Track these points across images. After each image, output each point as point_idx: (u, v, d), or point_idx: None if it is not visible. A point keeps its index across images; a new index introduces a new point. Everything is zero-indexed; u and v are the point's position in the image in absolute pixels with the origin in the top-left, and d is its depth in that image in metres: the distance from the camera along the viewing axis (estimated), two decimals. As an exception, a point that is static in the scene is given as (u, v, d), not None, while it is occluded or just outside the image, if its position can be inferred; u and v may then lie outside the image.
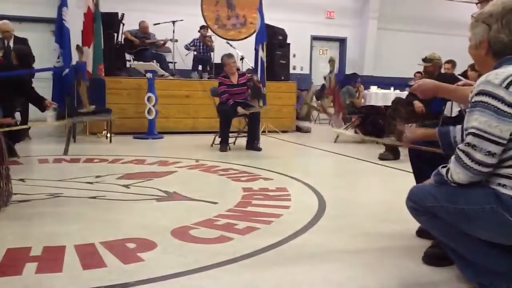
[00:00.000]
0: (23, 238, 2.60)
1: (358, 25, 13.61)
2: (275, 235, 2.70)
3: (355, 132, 7.51)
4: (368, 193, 4.15)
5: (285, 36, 9.73)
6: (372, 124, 7.56)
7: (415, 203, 2.02)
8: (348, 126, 8.02)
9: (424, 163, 2.41)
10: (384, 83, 8.57)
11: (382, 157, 5.78)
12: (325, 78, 9.07)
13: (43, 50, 8.96)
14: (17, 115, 6.34)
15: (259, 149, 6.41)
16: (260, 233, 2.77)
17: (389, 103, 6.85)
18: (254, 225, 2.91)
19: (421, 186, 2.09)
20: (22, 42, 7.22)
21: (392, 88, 8.18)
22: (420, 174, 2.46)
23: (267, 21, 8.48)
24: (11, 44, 7.00)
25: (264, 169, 4.93)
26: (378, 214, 3.35)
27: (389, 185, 4.53)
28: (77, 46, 7.39)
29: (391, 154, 5.77)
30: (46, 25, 10.36)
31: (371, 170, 5.27)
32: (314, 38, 13.40)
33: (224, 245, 2.53)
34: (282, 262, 2.31)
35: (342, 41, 13.77)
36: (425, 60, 5.92)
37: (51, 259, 2.28)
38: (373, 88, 8.06)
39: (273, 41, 9.35)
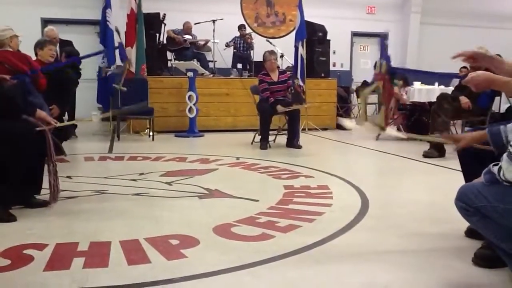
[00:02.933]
0: (70, 234, 2.68)
1: (400, 20, 13.29)
2: (318, 233, 2.67)
3: (398, 130, 7.32)
4: (413, 192, 4.04)
5: (325, 32, 9.61)
6: (416, 121, 7.37)
7: (464, 203, 1.94)
8: (390, 123, 7.83)
9: (474, 160, 2.31)
10: (428, 78, 8.30)
11: (426, 155, 5.62)
12: (375, 64, 8.83)
13: (89, 51, 9.19)
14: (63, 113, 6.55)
15: (300, 147, 6.37)
16: (302, 231, 2.74)
17: (433, 99, 6.65)
18: (296, 223, 2.88)
19: (470, 185, 2.01)
20: (67, 44, 7.46)
21: (436, 84, 7.93)
22: (469, 172, 2.37)
23: (306, 18, 8.40)
24: (57, 48, 7.23)
25: (304, 167, 4.89)
26: (424, 213, 3.25)
27: (434, 183, 4.40)
28: (115, 27, 7.40)
29: (436, 151, 5.61)
30: (92, 27, 10.66)
31: (415, 168, 5.13)
32: (355, 34, 13.17)
33: (266, 242, 2.52)
34: (325, 261, 2.28)
35: (383, 37, 13.49)
36: (472, 54, 5.70)
37: (97, 255, 2.34)
38: (417, 84, 7.84)
39: (313, 38, 9.26)
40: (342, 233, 2.71)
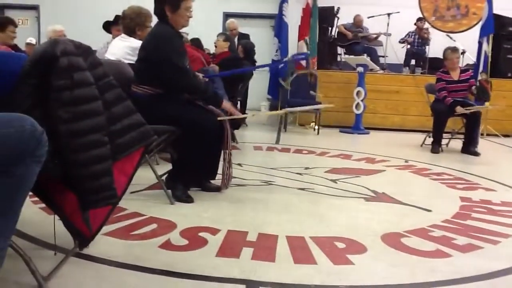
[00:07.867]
0: (240, 222, 2.77)
1: None
2: (503, 258, 2.34)
3: None
4: None
5: (516, 27, 8.54)
6: None
7: None
8: None
9: None
10: None
11: None
12: None
13: (263, 44, 9.59)
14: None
15: (477, 154, 5.75)
16: (484, 253, 2.44)
17: None
18: (476, 242, 2.58)
19: None
20: (245, 37, 7.86)
21: None
22: None
23: (495, 11, 7.55)
24: (236, 40, 7.66)
25: (483, 178, 4.39)
26: None
27: None
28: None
29: None
30: (267, 20, 11.08)
31: None
32: (553, 29, 11.49)
33: (442, 261, 2.29)
34: (514, 294, 1.98)
35: None
36: None
37: (265, 247, 2.37)
38: None
39: (500, 33, 8.29)
40: (534, 262, 2.34)
